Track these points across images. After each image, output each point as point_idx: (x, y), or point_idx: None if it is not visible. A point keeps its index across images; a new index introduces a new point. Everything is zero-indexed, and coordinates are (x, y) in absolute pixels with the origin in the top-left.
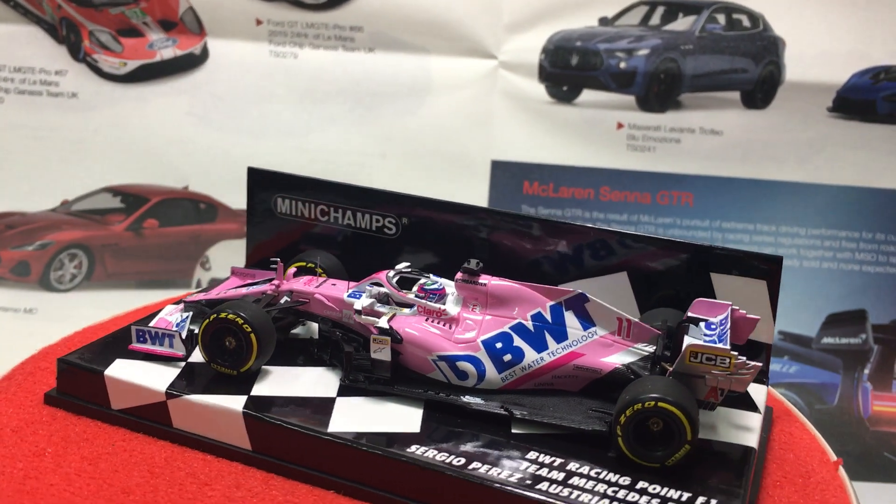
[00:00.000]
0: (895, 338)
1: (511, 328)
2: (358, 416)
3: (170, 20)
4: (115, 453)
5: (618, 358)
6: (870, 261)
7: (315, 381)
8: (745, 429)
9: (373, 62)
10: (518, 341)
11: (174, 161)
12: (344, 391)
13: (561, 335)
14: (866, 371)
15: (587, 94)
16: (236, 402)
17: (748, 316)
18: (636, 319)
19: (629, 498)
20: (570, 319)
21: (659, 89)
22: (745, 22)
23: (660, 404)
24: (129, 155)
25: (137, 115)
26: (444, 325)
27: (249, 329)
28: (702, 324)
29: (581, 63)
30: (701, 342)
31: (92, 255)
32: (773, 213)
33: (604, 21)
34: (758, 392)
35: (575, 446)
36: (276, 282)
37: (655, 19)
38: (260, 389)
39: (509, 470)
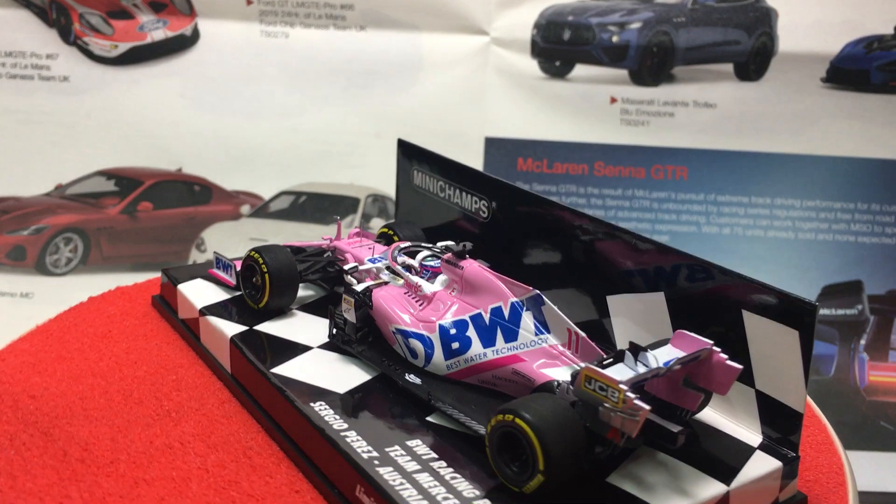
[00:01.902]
0: (891, 308)
1: (470, 317)
2: (311, 366)
3: (160, 1)
4: (149, 350)
5: (556, 372)
6: (865, 232)
7: (316, 331)
8: (683, 494)
9: (364, 40)
10: (470, 332)
11: (167, 143)
12: (327, 345)
13: (511, 335)
14: (863, 342)
15: (580, 69)
16: (234, 330)
17: (728, 362)
18: (584, 335)
19: None
20: (526, 321)
21: (652, 63)
22: None
23: (516, 420)
24: (122, 138)
25: (129, 97)
26: (417, 302)
27: (266, 270)
28: (656, 356)
29: (573, 37)
30: (596, 367)
31: (87, 239)
32: (767, 186)
33: None
34: (757, 464)
35: (476, 451)
36: (328, 237)
37: None
38: (264, 326)
39: (372, 447)
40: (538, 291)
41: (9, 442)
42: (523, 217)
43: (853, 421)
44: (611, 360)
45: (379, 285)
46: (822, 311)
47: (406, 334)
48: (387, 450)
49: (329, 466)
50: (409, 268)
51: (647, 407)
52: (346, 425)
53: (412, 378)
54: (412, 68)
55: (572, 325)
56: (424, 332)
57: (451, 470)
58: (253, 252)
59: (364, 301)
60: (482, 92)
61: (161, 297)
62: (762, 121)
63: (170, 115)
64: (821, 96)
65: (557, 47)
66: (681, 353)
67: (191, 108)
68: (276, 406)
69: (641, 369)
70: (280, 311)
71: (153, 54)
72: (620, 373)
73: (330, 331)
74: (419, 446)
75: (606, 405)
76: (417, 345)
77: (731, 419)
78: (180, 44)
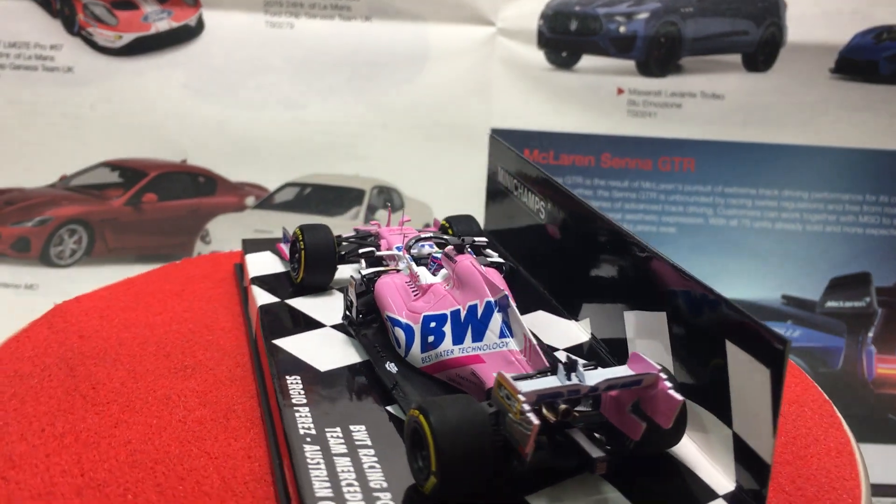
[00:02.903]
0: None
1: (451, 312)
2: (312, 343)
3: None
4: (204, 311)
5: None
6: (873, 223)
7: (338, 312)
8: None
9: (370, 31)
10: (447, 327)
11: (172, 134)
12: (340, 325)
13: (479, 335)
14: (870, 334)
15: (587, 60)
16: (266, 300)
17: (670, 392)
18: (535, 343)
19: (350, 496)
20: (495, 322)
21: (659, 53)
22: None
23: (420, 417)
24: (127, 129)
25: (134, 88)
26: (413, 292)
27: (303, 246)
28: (590, 375)
29: (580, 28)
30: (507, 374)
31: (91, 231)
32: (775, 177)
33: None
34: None
35: None
36: (376, 223)
37: None
38: (295, 300)
39: (314, 425)
40: (507, 293)
41: (40, 372)
42: (570, 223)
43: (861, 414)
44: (545, 372)
45: (390, 272)
46: (830, 304)
47: (393, 322)
48: (326, 430)
49: (279, 438)
50: (421, 258)
51: (537, 422)
52: (304, 400)
53: (390, 367)
54: (418, 59)
55: (528, 331)
56: (409, 322)
57: (375, 459)
58: (297, 229)
59: (366, 285)
60: (488, 83)
61: (240, 265)
62: (770, 112)
63: (174, 107)
64: (829, 87)
65: (564, 38)
66: (633, 372)
67: (195, 99)
68: (264, 374)
69: (590, 384)
70: (320, 289)
71: (157, 45)
72: (540, 385)
73: (344, 312)
74: (360, 432)
75: (510, 415)
76: (401, 334)
77: (710, 460)
78: (185, 34)
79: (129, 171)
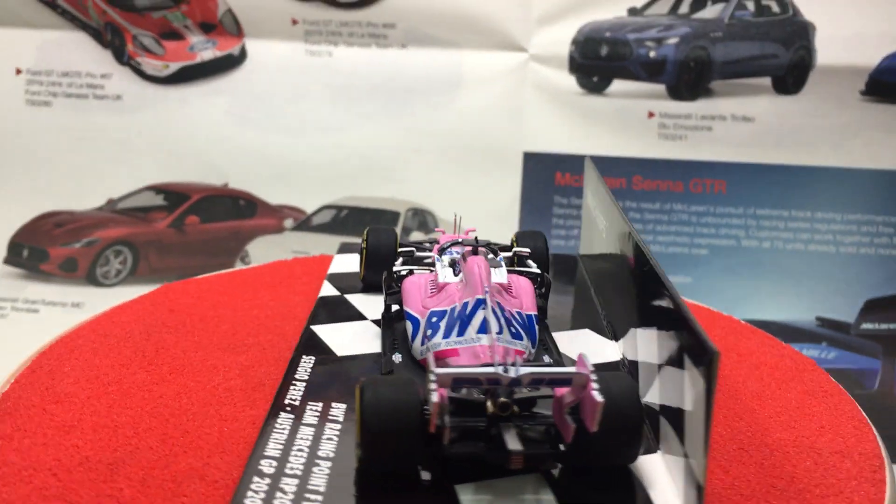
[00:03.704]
0: None
1: (450, 308)
2: (345, 331)
3: (209, 22)
4: (289, 302)
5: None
6: None
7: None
8: None
9: (405, 58)
10: (442, 322)
11: (214, 159)
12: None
13: (463, 330)
14: None
15: (617, 85)
16: (328, 292)
17: (593, 392)
18: (496, 339)
19: (293, 459)
20: (478, 318)
21: (689, 77)
22: (775, 7)
23: (357, 392)
24: (172, 154)
25: (179, 115)
26: (432, 289)
27: (364, 246)
28: (523, 368)
29: (611, 53)
30: (432, 361)
31: (136, 252)
32: (807, 199)
33: (633, 11)
34: None
35: None
36: (441, 230)
37: (684, 8)
38: (353, 295)
39: (300, 398)
40: (488, 290)
41: (122, 333)
42: (619, 248)
43: None
44: (491, 364)
45: (424, 272)
46: (865, 326)
47: (407, 316)
48: (309, 403)
49: None
50: (455, 262)
51: (436, 400)
52: (306, 377)
53: (396, 357)
54: (452, 85)
55: (494, 330)
56: (418, 316)
57: (337, 433)
58: (366, 230)
59: (393, 282)
60: (521, 107)
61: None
62: (801, 134)
63: (217, 132)
64: (860, 109)
65: (595, 63)
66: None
67: (237, 125)
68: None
69: (511, 375)
70: (375, 285)
71: (202, 73)
72: (461, 371)
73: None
74: (338, 409)
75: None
76: (409, 327)
77: (670, 480)
78: (228, 63)
79: (173, 195)
